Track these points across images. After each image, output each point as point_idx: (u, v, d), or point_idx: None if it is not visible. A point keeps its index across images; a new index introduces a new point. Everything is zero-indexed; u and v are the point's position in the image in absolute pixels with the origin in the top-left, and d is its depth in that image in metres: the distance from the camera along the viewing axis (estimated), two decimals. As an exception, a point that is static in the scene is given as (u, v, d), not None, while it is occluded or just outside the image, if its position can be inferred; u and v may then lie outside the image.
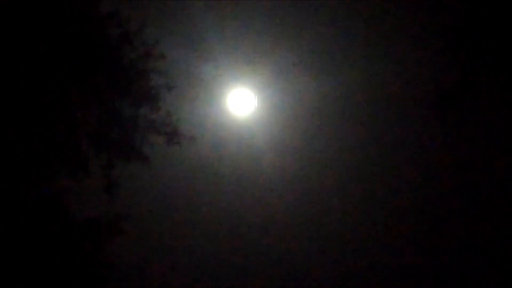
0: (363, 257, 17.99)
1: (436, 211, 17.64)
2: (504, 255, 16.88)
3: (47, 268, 15.41)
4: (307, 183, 18.14)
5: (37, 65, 15.01)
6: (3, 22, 14.68)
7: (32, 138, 15.18)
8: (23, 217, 15.26)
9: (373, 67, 17.10)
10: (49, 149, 15.37)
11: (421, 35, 16.46)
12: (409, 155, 17.84)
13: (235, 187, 17.85)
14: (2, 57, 14.71)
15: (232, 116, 17.44)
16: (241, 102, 17.36)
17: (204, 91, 16.95)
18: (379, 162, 17.99)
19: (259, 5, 17.13)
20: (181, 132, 16.19)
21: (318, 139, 17.92)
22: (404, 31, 16.78)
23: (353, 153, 18.01)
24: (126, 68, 15.71)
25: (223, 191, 17.78)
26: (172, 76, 16.06)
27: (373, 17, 17.00)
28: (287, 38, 17.26)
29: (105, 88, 15.59)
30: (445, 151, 17.27)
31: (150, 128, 16.01)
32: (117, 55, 15.61)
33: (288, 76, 17.37)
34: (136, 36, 15.73)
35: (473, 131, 16.57)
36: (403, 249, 17.75)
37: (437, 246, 17.63)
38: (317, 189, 18.17)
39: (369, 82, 17.12)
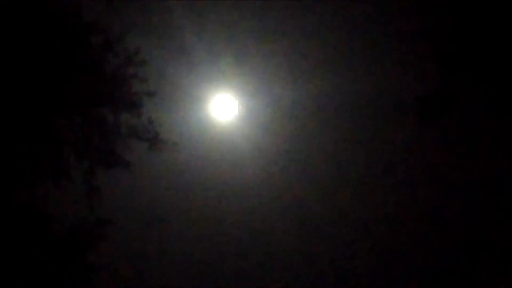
0: (348, 259, 18.09)
1: (418, 216, 17.81)
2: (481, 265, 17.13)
3: (30, 275, 15.44)
4: (290, 187, 18.23)
5: (19, 72, 15.05)
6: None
7: (13, 145, 15.21)
8: (4, 224, 15.28)
9: (356, 75, 17.22)
10: (31, 156, 15.40)
11: (403, 44, 16.57)
12: (391, 160, 17.96)
13: (218, 192, 17.92)
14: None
15: (214, 122, 17.54)
16: (223, 108, 17.45)
17: (186, 97, 17.05)
18: (361, 167, 18.11)
19: (242, 12, 17.23)
20: (163, 138, 16.24)
21: (300, 144, 18.03)
22: (387, 39, 16.90)
23: (336, 158, 18.12)
24: (108, 75, 15.76)
25: (206, 196, 17.86)
26: (154, 83, 16.12)
27: (357, 25, 17.12)
28: (269, 45, 17.37)
29: (87, 95, 15.63)
30: (426, 157, 17.43)
31: (131, 134, 16.05)
32: (98, 62, 15.66)
33: (270, 82, 17.48)
34: (117, 43, 15.77)
35: (453, 138, 16.75)
36: (388, 252, 17.90)
37: (420, 245, 17.84)
38: (300, 193, 18.25)
39: (352, 88, 17.23)
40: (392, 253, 17.83)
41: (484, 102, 15.35)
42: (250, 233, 18.21)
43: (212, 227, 17.92)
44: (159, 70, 16.30)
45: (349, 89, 17.26)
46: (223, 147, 17.52)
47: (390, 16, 16.68)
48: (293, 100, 17.50)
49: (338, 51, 17.46)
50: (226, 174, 17.71)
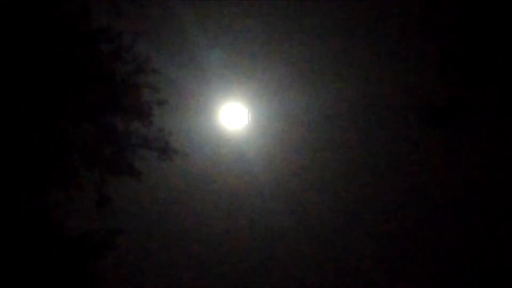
0: (353, 272, 18.03)
1: (429, 225, 17.75)
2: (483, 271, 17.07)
3: (38, 283, 15.42)
4: (300, 196, 18.15)
5: (28, 79, 15.05)
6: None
7: (24, 153, 15.20)
8: (14, 232, 15.27)
9: (366, 82, 17.15)
10: (41, 164, 15.38)
11: (414, 51, 16.53)
12: (402, 169, 17.89)
13: (228, 201, 17.86)
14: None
15: (224, 131, 17.47)
16: (233, 116, 17.39)
17: (196, 106, 17.00)
18: (372, 175, 18.02)
19: (251, 20, 17.20)
20: (173, 147, 16.21)
21: (310, 153, 17.94)
22: (397, 46, 16.85)
23: (346, 167, 18.04)
24: (118, 83, 15.74)
25: (216, 206, 17.78)
26: (164, 91, 16.10)
27: (366, 32, 17.07)
28: (280, 53, 17.33)
29: (97, 103, 15.61)
30: (438, 166, 17.34)
31: (142, 143, 16.02)
32: (108, 70, 15.64)
33: (280, 90, 17.42)
34: (127, 51, 15.76)
35: (465, 147, 16.67)
36: (392, 261, 17.86)
37: (430, 251, 17.81)
38: (311, 202, 18.18)
39: (362, 96, 17.17)
40: (406, 261, 17.78)
41: (493, 107, 15.30)
42: (260, 242, 18.15)
43: (222, 237, 17.86)
44: (169, 78, 16.26)
45: (360, 96, 17.21)
46: (233, 156, 17.47)
47: (400, 23, 16.65)
48: (303, 108, 17.44)
49: (349, 58, 17.41)
50: (236, 183, 17.65)
